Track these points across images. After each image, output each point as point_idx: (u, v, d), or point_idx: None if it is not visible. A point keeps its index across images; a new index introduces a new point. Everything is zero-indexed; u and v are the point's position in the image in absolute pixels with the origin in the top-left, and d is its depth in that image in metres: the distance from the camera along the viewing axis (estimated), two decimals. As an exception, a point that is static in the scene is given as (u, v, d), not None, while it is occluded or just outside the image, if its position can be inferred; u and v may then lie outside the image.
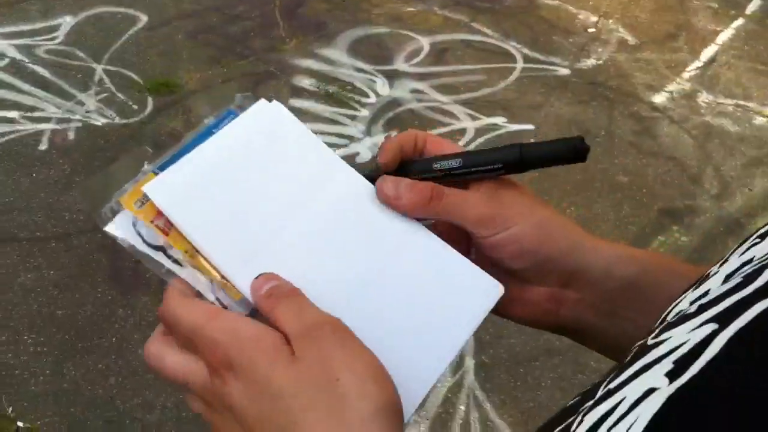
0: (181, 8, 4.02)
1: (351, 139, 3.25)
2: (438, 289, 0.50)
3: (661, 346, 0.34)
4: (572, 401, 0.42)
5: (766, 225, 0.42)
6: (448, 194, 0.51)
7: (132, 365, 2.24)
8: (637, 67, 4.00)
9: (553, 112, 3.59)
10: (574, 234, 0.54)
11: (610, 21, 4.36)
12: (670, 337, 0.34)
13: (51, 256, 2.55)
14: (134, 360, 2.25)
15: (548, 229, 0.52)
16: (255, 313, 0.45)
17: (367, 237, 0.50)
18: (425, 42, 3.98)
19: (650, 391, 0.31)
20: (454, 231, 0.54)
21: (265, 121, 0.52)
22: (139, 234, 0.46)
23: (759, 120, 3.71)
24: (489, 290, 0.51)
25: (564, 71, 3.90)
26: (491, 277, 0.51)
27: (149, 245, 0.46)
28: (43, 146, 3.02)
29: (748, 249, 0.40)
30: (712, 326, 0.31)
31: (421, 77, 3.71)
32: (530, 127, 3.45)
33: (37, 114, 3.18)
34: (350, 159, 3.15)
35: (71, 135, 3.10)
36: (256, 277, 0.46)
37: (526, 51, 4.00)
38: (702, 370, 0.29)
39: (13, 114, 3.15)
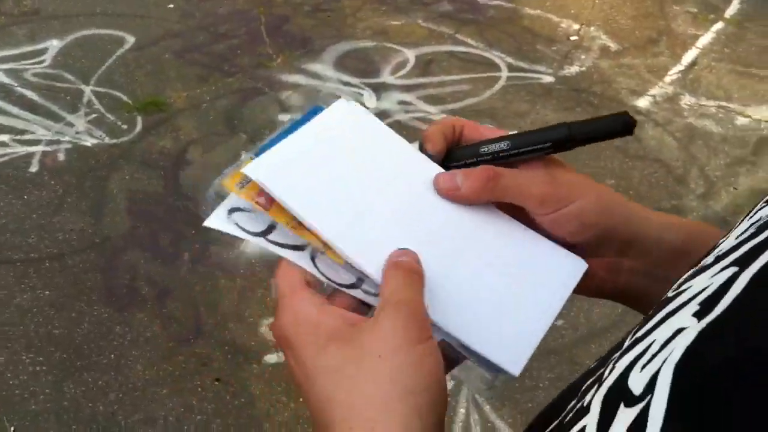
0: (167, 28, 4.05)
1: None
2: (523, 269, 0.52)
3: (684, 294, 0.36)
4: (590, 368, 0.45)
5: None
6: (506, 175, 0.52)
7: (131, 381, 2.24)
8: (619, 73, 4.06)
9: (539, 119, 3.63)
10: (628, 206, 0.55)
11: (592, 28, 4.42)
12: (692, 286, 0.36)
13: (46, 277, 2.56)
14: (133, 376, 2.26)
15: (606, 203, 0.54)
16: (360, 279, 0.48)
17: (448, 219, 0.52)
18: (410, 54, 4.02)
19: (680, 330, 0.32)
20: (508, 210, 0.55)
21: (346, 115, 0.54)
22: (237, 224, 0.48)
23: (741, 120, 3.77)
24: (573, 267, 0.53)
25: (548, 79, 3.95)
26: (574, 255, 0.53)
27: (248, 232, 0.48)
28: (34, 168, 3.03)
29: (756, 212, 0.42)
30: (732, 270, 0.33)
31: (407, 89, 3.75)
32: (517, 134, 3.49)
33: (27, 137, 3.19)
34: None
35: (61, 156, 3.11)
36: (399, 249, 0.49)
37: (510, 60, 4.05)
38: (728, 308, 0.30)
39: (3, 137, 3.16)
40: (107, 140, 3.22)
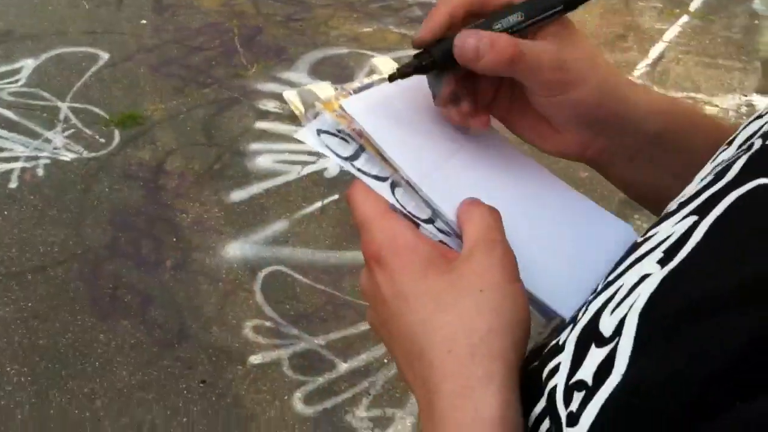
0: (141, 43, 4.08)
1: (320, 155, 3.32)
2: (577, 232, 0.55)
3: (650, 240, 0.39)
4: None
5: (732, 136, 0.46)
6: (528, 54, 0.50)
7: (117, 386, 2.26)
8: (589, 69, 4.14)
9: (513, 116, 3.69)
10: (623, 92, 0.54)
11: (561, 27, 4.51)
12: (658, 232, 0.39)
13: (28, 289, 2.57)
14: (119, 381, 2.28)
15: (604, 93, 0.52)
16: (431, 218, 0.50)
17: (515, 183, 0.56)
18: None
19: (645, 276, 0.35)
20: (498, 82, 0.55)
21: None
22: (327, 145, 0.51)
23: (709, 109, 3.85)
24: (624, 233, 0.55)
25: (520, 77, 4.01)
26: (623, 221, 0.56)
27: (336, 154, 0.51)
28: (13, 184, 3.04)
29: (718, 155, 0.45)
30: (693, 218, 0.36)
31: (382, 92, 3.79)
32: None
33: (4, 154, 3.20)
34: (319, 174, 3.22)
35: (41, 172, 3.12)
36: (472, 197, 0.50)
37: (481, 61, 4.11)
38: (688, 256, 0.34)
39: (-19, 156, 3.18)
40: (86, 154, 3.24)
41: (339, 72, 3.94)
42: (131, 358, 2.38)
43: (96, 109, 3.53)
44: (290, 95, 0.54)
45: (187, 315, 2.54)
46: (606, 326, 0.36)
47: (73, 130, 3.38)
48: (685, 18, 4.63)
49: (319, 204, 3.06)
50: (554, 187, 0.58)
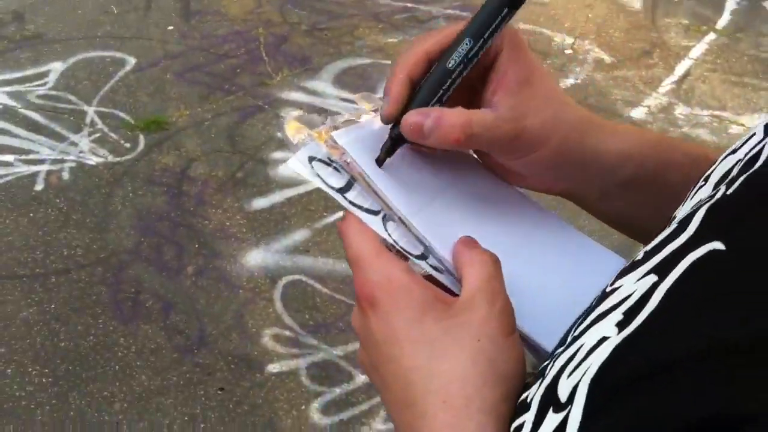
0: (167, 50, 4.12)
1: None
2: (569, 267, 0.55)
3: (615, 294, 0.39)
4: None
5: (708, 171, 0.46)
6: (479, 132, 0.49)
7: (136, 391, 2.28)
8: (614, 85, 4.12)
9: (536, 130, 3.68)
10: (590, 140, 0.53)
11: (586, 42, 4.49)
12: (622, 286, 0.39)
13: (52, 291, 2.60)
14: (138, 386, 2.29)
15: (567, 149, 0.52)
16: (424, 254, 0.50)
17: (506, 218, 0.56)
18: (407, 70, 4.08)
19: (603, 339, 0.35)
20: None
21: None
22: (318, 175, 0.51)
23: (734, 129, 3.82)
24: (616, 267, 0.54)
25: (544, 91, 4.00)
26: (615, 254, 0.56)
27: (328, 185, 0.51)
28: (39, 186, 3.08)
29: (696, 192, 0.45)
30: (653, 278, 0.36)
31: (405, 104, 3.80)
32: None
33: (31, 156, 3.24)
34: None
35: (66, 175, 3.16)
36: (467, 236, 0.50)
37: (505, 74, 4.11)
38: (644, 322, 0.33)
39: (8, 158, 3.22)
40: (111, 159, 3.27)
41: (362, 82, 3.95)
42: (151, 362, 2.39)
43: (122, 114, 3.56)
44: (288, 124, 0.54)
45: (207, 321, 2.55)
46: (562, 391, 0.36)
47: (98, 134, 3.41)
48: (711, 35, 4.60)
49: (340, 214, 3.07)
50: (545, 222, 0.58)
